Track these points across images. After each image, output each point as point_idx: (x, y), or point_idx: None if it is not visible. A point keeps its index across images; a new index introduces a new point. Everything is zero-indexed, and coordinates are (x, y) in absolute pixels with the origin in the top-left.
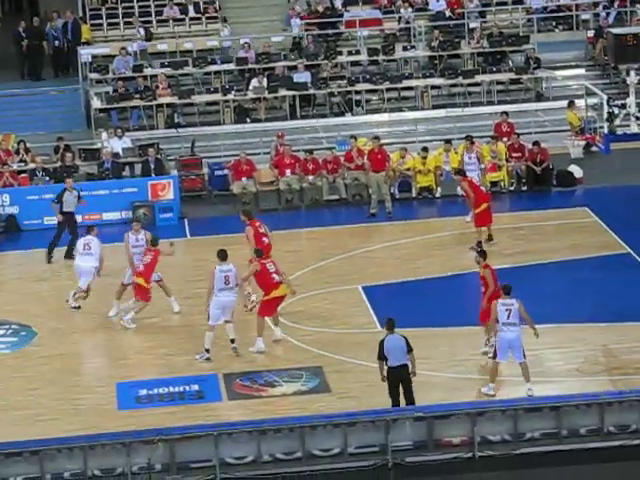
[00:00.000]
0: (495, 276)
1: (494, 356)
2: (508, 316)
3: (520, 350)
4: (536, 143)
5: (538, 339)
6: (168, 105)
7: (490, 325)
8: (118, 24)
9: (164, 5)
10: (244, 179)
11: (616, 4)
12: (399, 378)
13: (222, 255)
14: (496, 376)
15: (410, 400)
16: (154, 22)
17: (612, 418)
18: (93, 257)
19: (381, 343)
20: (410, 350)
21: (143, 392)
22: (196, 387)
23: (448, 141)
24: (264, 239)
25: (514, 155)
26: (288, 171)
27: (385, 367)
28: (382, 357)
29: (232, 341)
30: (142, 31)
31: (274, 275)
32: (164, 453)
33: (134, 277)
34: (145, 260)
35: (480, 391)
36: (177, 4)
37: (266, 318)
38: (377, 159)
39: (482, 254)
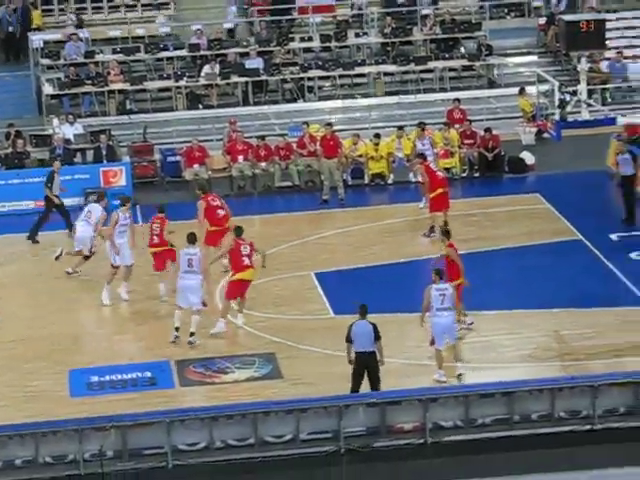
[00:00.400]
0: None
1: (431, 343)
2: (442, 301)
3: (454, 333)
4: (488, 130)
5: (489, 325)
6: (120, 91)
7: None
8: (70, 10)
9: None
10: (196, 166)
11: None
12: (363, 365)
13: (190, 238)
14: (442, 361)
15: (375, 388)
16: (105, 8)
17: (563, 404)
18: (90, 226)
19: (350, 327)
20: (378, 338)
21: (95, 379)
22: (148, 374)
23: (400, 127)
24: (218, 211)
25: (466, 142)
26: (240, 157)
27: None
28: (348, 340)
29: (191, 334)
30: (73, 17)
31: (244, 258)
32: (116, 440)
33: (151, 249)
34: (155, 230)
35: (433, 379)
36: None
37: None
38: (329, 145)
39: (446, 234)
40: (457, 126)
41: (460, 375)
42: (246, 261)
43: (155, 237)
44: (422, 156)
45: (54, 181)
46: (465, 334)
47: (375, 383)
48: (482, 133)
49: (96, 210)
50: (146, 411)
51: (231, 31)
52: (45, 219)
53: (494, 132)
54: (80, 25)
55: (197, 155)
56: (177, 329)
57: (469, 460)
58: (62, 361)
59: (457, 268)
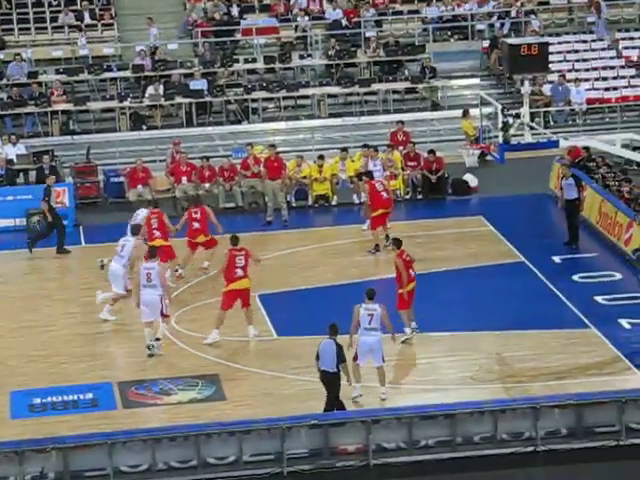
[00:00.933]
0: (408, 264)
1: (354, 358)
2: (370, 321)
3: (379, 354)
4: (431, 151)
5: (432, 347)
6: (63, 112)
7: (404, 314)
8: (13, 30)
9: (59, 12)
10: (140, 186)
11: (513, 12)
12: (325, 383)
13: (150, 252)
14: (360, 377)
15: (328, 409)
16: (49, 28)
17: (505, 426)
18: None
19: (320, 344)
20: (341, 360)
21: (37, 400)
22: (90, 395)
23: (344, 149)
24: (194, 223)
25: (410, 164)
26: (184, 178)
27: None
28: (317, 357)
29: (156, 339)
30: None
31: (237, 270)
32: (57, 462)
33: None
34: (153, 224)
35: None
36: (72, 10)
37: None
38: (273, 167)
39: (395, 243)
40: (401, 148)
41: (384, 400)
42: (239, 272)
43: (155, 231)
44: (369, 174)
45: (51, 195)
46: (411, 339)
47: (330, 404)
48: (426, 155)
49: (129, 244)
50: (88, 433)
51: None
52: (62, 229)
53: (438, 154)
54: (2, 47)
55: (141, 176)
56: (148, 347)
57: None
58: (3, 382)
59: (400, 278)
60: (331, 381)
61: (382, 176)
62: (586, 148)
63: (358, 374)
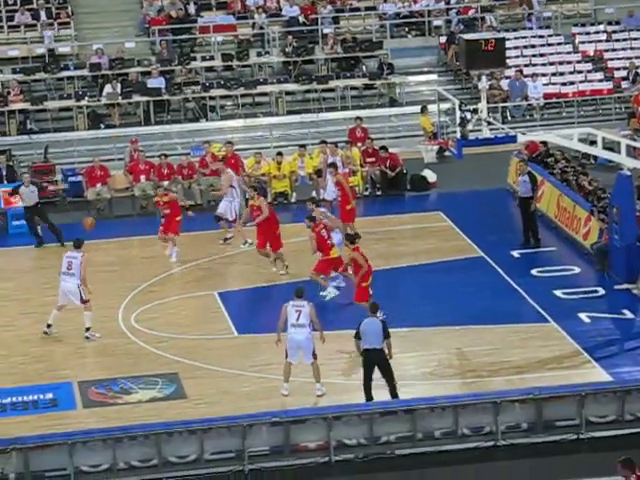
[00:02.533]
0: (365, 257)
1: (286, 356)
2: (298, 317)
3: (310, 351)
4: (383, 148)
5: (392, 343)
6: (20, 111)
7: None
8: None
9: (15, 10)
10: (98, 185)
11: (470, 12)
12: (372, 361)
13: (76, 243)
14: (289, 376)
15: (389, 382)
16: (5, 27)
17: (466, 420)
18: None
19: (359, 324)
20: (387, 336)
21: None
22: (50, 395)
23: (302, 146)
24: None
25: (368, 160)
26: (143, 177)
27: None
28: (357, 336)
29: (86, 329)
30: None
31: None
32: (18, 462)
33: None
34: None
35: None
36: (29, 9)
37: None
38: (231, 164)
39: (350, 238)
40: (359, 145)
41: (320, 396)
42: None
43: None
44: (334, 165)
45: (21, 191)
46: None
47: (389, 379)
48: (379, 152)
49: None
50: (48, 433)
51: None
52: (53, 227)
53: (393, 150)
54: None
55: (99, 174)
56: (48, 325)
57: (373, 478)
58: None
59: (359, 270)
60: (381, 357)
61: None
62: (544, 142)
63: (288, 373)
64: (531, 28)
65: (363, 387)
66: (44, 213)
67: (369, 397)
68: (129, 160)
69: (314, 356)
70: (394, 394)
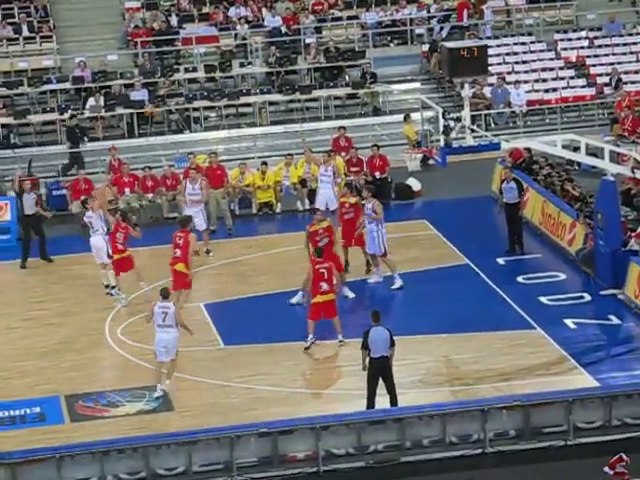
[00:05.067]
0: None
1: (155, 356)
2: (164, 318)
3: (174, 351)
4: (375, 145)
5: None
6: (3, 125)
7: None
8: None
9: None
10: (83, 198)
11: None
12: (380, 369)
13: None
14: (160, 375)
15: (392, 391)
16: None
17: (454, 428)
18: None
19: (366, 333)
20: (393, 344)
21: None
22: (37, 409)
23: (289, 155)
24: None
25: (352, 169)
26: (127, 190)
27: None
28: (365, 347)
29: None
30: None
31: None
32: (6, 477)
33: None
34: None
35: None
36: (10, 23)
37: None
38: (215, 175)
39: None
40: (343, 154)
41: (163, 391)
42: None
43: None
44: (304, 182)
45: (23, 199)
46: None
47: (391, 388)
48: (370, 152)
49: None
50: (36, 447)
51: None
52: (43, 240)
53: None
54: None
55: (83, 188)
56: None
57: None
58: None
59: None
60: (387, 365)
61: (332, 182)
62: (528, 149)
63: (159, 373)
64: (487, 37)
65: (367, 395)
66: (40, 224)
67: (371, 405)
68: (110, 168)
69: (175, 354)
70: (395, 403)
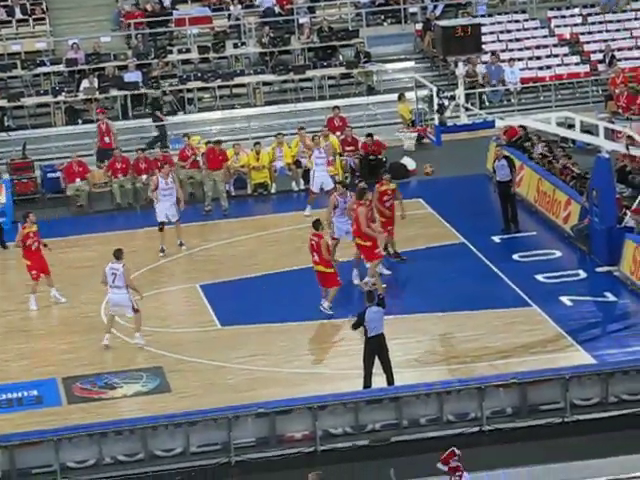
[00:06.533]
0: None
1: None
2: (114, 280)
3: (129, 308)
4: (370, 135)
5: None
6: None
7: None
8: None
9: None
10: (78, 180)
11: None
12: (376, 348)
13: (116, 254)
14: (110, 327)
15: (388, 370)
16: None
17: (451, 407)
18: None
19: (362, 314)
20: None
21: None
22: (35, 392)
23: (279, 134)
24: None
25: (347, 149)
26: (120, 175)
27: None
28: (356, 327)
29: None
30: None
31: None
32: (3, 460)
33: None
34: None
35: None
36: (3, 6)
37: None
38: (216, 159)
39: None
40: (338, 134)
41: (140, 346)
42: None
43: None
44: (298, 163)
45: None
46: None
47: (387, 367)
48: (363, 139)
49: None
50: (33, 430)
51: None
52: None
53: (376, 138)
54: None
55: (78, 170)
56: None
57: (359, 466)
58: None
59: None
60: (384, 342)
61: (325, 163)
62: (523, 127)
63: (109, 325)
64: (481, 15)
65: (364, 374)
66: None
67: (368, 384)
68: (98, 135)
69: (134, 310)
70: (391, 382)
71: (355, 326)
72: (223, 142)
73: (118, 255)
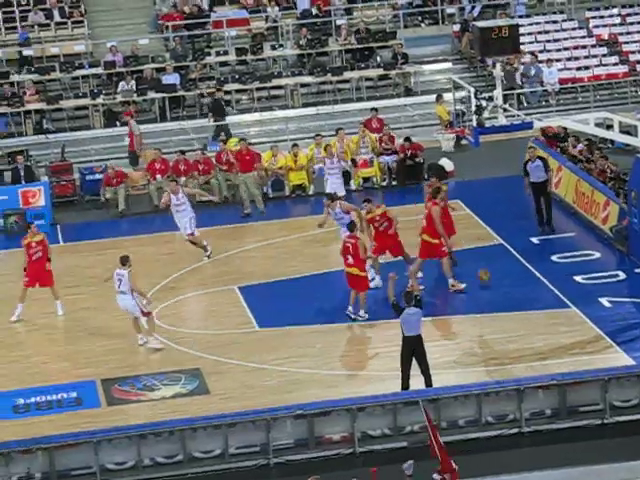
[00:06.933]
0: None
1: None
2: (119, 285)
3: (137, 313)
4: (407, 139)
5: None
6: (36, 111)
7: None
8: None
9: (29, 10)
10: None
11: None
12: (413, 347)
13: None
14: (138, 329)
15: (426, 372)
16: (19, 28)
17: (490, 408)
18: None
19: (401, 310)
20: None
21: (20, 401)
22: (74, 394)
23: (318, 135)
24: None
25: (385, 147)
26: (159, 176)
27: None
28: (396, 309)
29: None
30: None
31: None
32: (43, 462)
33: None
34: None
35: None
36: (42, 9)
37: None
38: (245, 160)
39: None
40: (375, 135)
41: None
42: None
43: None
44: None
45: None
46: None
47: (425, 368)
48: (401, 142)
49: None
50: (73, 431)
51: None
52: None
53: (415, 140)
54: None
55: (115, 182)
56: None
57: (397, 468)
58: None
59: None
60: (420, 343)
61: (339, 173)
62: (564, 128)
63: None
64: (519, 16)
65: (402, 376)
66: None
67: (406, 385)
68: (128, 138)
69: (144, 314)
70: (429, 384)
71: (395, 307)
72: (261, 144)
73: (124, 261)
